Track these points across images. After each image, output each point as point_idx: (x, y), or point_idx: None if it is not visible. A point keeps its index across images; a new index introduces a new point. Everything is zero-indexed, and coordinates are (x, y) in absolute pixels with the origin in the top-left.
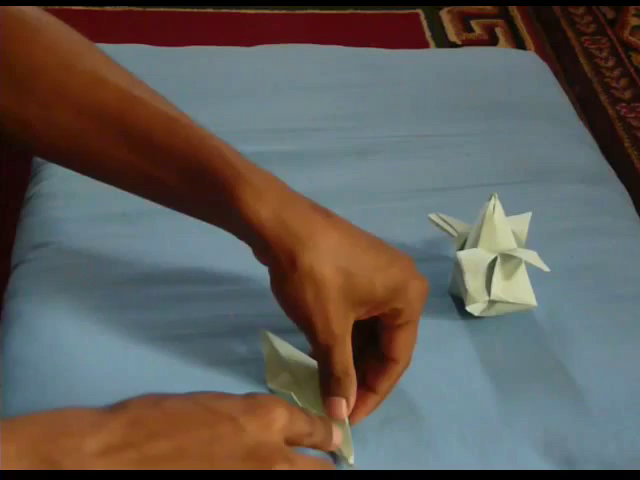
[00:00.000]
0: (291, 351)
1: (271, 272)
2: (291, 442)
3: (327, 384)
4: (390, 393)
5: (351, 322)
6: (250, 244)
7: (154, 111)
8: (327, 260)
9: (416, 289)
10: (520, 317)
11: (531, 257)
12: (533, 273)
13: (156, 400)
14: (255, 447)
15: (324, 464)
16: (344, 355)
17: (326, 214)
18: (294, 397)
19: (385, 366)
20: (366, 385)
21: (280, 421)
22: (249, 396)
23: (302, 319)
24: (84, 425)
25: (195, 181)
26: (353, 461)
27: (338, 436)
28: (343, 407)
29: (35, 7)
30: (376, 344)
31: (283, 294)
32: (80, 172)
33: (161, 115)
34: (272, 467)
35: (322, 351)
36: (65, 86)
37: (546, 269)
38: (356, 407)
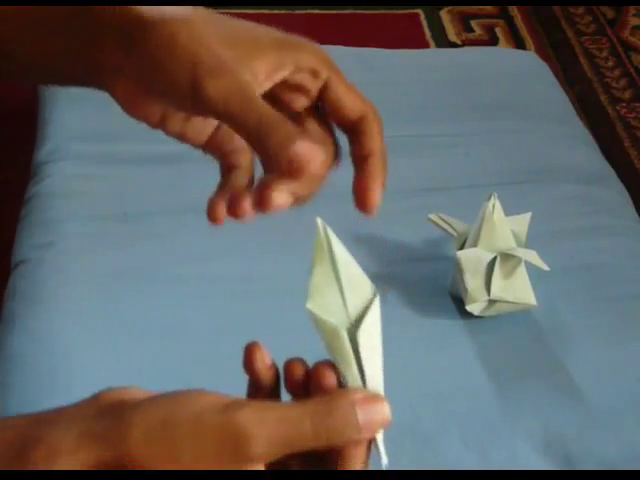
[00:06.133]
0: (349, 262)
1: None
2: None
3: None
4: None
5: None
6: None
7: None
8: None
9: (312, 45)
10: (520, 316)
11: (530, 256)
12: (533, 273)
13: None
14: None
15: None
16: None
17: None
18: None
19: (357, 128)
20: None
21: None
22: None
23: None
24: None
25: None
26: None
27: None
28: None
29: None
30: None
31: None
32: None
33: None
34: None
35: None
36: None
37: (546, 268)
38: (365, 183)
